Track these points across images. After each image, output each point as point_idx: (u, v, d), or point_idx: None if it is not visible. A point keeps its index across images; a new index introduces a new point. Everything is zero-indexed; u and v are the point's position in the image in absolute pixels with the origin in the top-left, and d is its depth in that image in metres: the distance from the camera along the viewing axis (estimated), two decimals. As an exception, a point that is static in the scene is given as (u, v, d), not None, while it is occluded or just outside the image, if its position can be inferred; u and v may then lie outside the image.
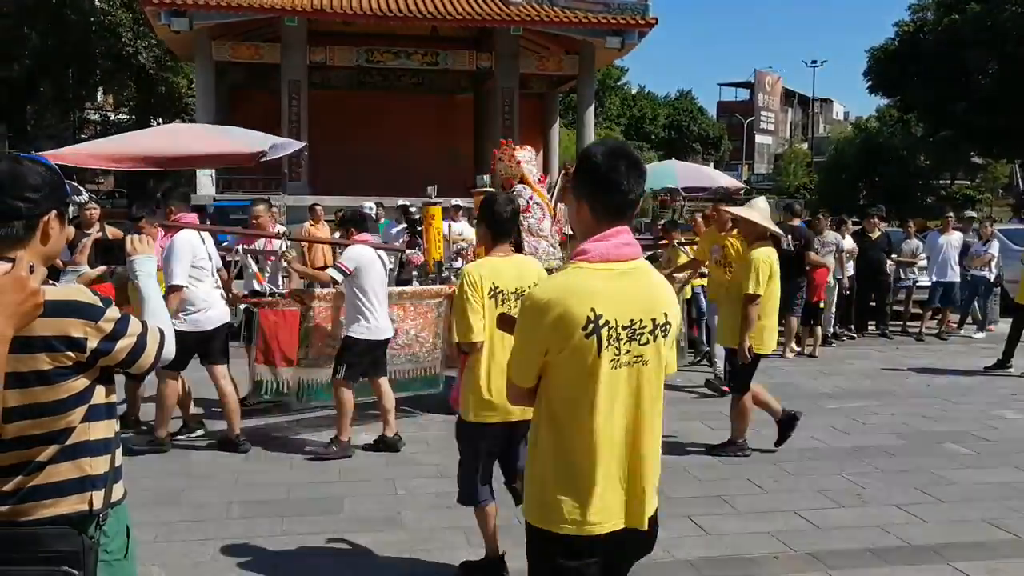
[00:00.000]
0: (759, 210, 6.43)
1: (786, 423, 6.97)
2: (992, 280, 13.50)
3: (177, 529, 5.04)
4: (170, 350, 2.46)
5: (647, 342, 2.52)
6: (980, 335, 13.32)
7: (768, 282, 6.56)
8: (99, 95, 40.28)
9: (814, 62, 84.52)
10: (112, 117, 39.78)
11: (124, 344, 2.29)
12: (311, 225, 12.94)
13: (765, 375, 10.04)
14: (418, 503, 5.57)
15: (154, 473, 6.01)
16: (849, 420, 8.01)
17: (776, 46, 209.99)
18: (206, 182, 24.27)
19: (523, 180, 8.20)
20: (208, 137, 11.23)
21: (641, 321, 2.51)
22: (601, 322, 2.44)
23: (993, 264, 13.35)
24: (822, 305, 11.90)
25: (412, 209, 12.00)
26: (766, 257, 6.57)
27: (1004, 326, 14.12)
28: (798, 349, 11.53)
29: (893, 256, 13.48)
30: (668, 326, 2.58)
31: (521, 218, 6.39)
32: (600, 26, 26.07)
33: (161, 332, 2.43)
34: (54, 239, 2.31)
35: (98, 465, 2.31)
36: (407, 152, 29.12)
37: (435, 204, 9.30)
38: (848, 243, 12.74)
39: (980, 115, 35.18)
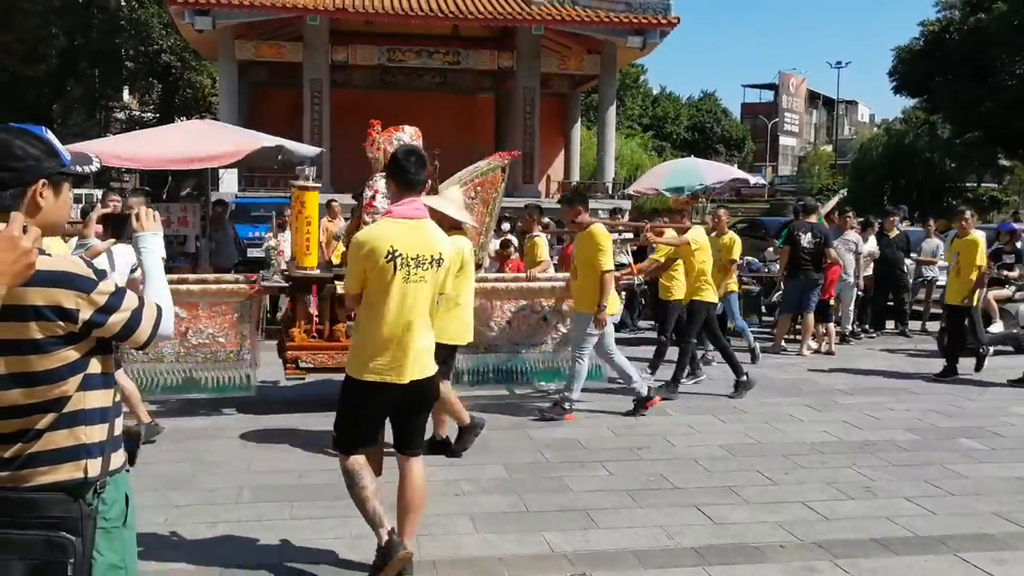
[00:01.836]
0: (452, 200, 6.33)
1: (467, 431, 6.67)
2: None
3: (187, 512, 5.10)
4: (167, 326, 2.48)
5: (427, 269, 4.09)
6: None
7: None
8: (125, 94, 40.67)
9: (839, 63, 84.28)
10: (137, 115, 40.15)
11: (118, 318, 2.31)
12: (327, 220, 13.14)
13: (781, 371, 10.09)
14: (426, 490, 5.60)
15: (165, 460, 6.08)
16: (862, 415, 7.98)
17: (800, 47, 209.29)
18: (229, 179, 24.50)
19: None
20: (222, 137, 11.41)
21: (421, 256, 4.06)
22: (397, 254, 4.00)
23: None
24: (832, 303, 11.86)
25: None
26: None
27: None
28: (815, 346, 11.49)
29: (912, 255, 13.40)
30: (442, 260, 4.15)
31: (364, 214, 7.00)
32: (622, 25, 26.07)
33: (158, 308, 2.45)
34: (47, 208, 2.32)
35: (93, 433, 2.34)
36: (428, 151, 29.18)
37: (310, 189, 7.78)
38: (870, 246, 12.69)
39: (1007, 116, 34.86)
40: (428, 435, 6.45)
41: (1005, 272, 11.66)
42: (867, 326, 13.04)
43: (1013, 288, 11.85)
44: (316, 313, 8.04)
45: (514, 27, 26.69)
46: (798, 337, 11.78)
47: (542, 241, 10.53)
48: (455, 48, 27.76)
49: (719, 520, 5.18)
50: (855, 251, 12.15)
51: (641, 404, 7.82)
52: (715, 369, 10.01)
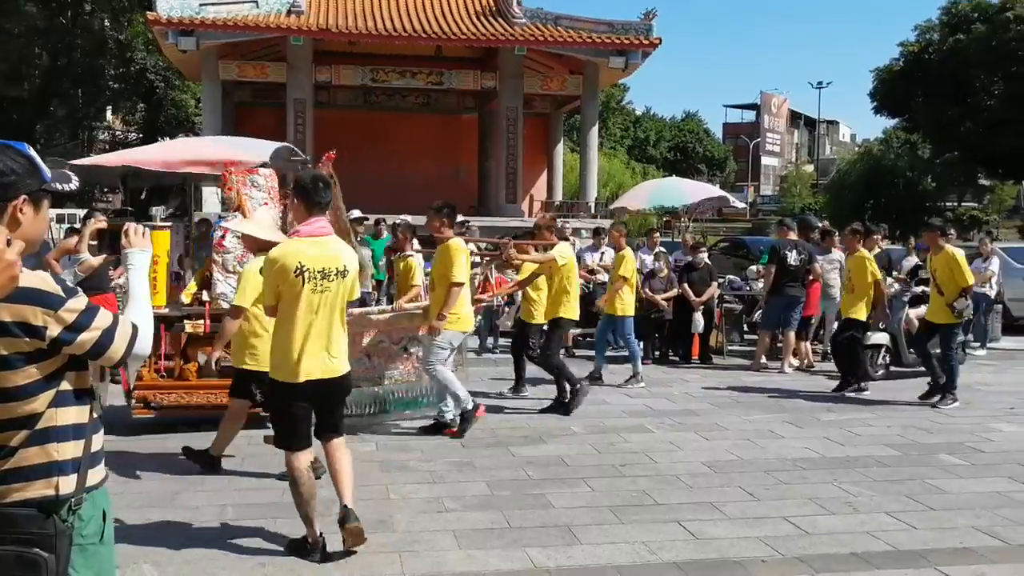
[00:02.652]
0: (260, 223, 6.35)
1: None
2: (993, 297, 13.51)
3: (168, 526, 5.08)
4: (144, 345, 2.45)
5: (332, 280, 4.66)
6: (981, 351, 13.31)
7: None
8: (108, 114, 40.60)
9: (820, 83, 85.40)
10: (121, 135, 40.09)
11: (87, 337, 2.29)
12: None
13: (763, 388, 10.14)
14: (409, 507, 5.62)
15: (148, 476, 6.06)
16: (844, 431, 8.02)
17: (782, 67, 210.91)
18: (212, 200, 24.43)
19: (239, 208, 7.52)
20: (216, 146, 11.43)
21: (326, 268, 4.64)
22: (304, 268, 4.58)
23: (993, 281, 13.36)
24: (813, 321, 11.95)
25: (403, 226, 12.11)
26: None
27: (1006, 343, 14.20)
28: (796, 363, 11.55)
29: (893, 273, 13.51)
30: (346, 271, 4.73)
31: (214, 254, 7.55)
32: (604, 46, 26.23)
33: (134, 326, 2.43)
34: (26, 224, 2.31)
35: (66, 450, 2.33)
36: (412, 171, 29.27)
37: (161, 228, 7.84)
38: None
39: (985, 136, 35.27)
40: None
41: (924, 288, 11.15)
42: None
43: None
44: (164, 352, 7.58)
45: (497, 48, 26.81)
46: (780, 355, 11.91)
47: (416, 262, 9.12)
48: (438, 68, 27.86)
49: (701, 536, 5.19)
50: (840, 269, 12.24)
51: (442, 428, 7.62)
52: (696, 385, 10.07)
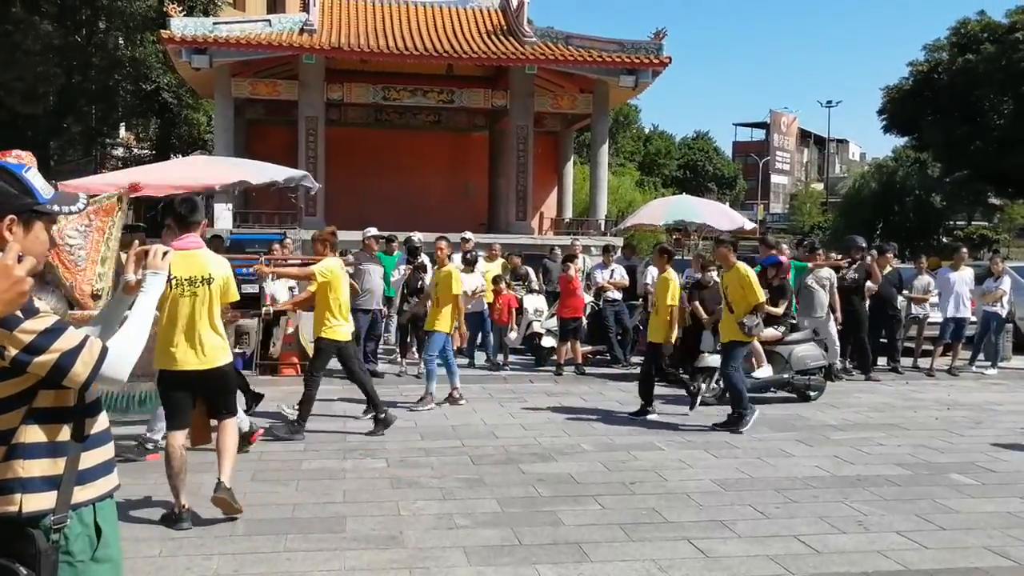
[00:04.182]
0: None
1: None
2: (1004, 316, 13.48)
3: (182, 545, 5.12)
4: (116, 369, 2.41)
5: (198, 286, 5.60)
6: (992, 371, 13.27)
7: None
8: (122, 131, 40.82)
9: (829, 102, 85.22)
10: (135, 152, 40.29)
11: (44, 360, 2.27)
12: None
13: (772, 407, 10.14)
14: (420, 523, 5.64)
15: (163, 492, 6.09)
16: (854, 450, 8.02)
17: (791, 86, 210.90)
18: (225, 216, 24.57)
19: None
20: (229, 167, 11.51)
21: (192, 277, 5.58)
22: (172, 277, 5.25)
23: (1005, 300, 13.34)
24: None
25: (415, 241, 12.18)
26: None
27: (1017, 362, 14.15)
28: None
29: (904, 292, 13.51)
30: (211, 279, 5.64)
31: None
32: (614, 65, 26.32)
33: (105, 349, 2.40)
34: (13, 245, 2.27)
35: (32, 468, 2.33)
36: (422, 188, 29.40)
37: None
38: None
39: (995, 155, 35.21)
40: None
41: (770, 308, 10.69)
42: (849, 362, 12.99)
43: (783, 329, 10.94)
44: None
45: (508, 66, 26.93)
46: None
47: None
48: (449, 87, 27.99)
49: (711, 554, 5.20)
50: (828, 287, 12.28)
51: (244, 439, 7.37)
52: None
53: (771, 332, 10.60)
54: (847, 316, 12.46)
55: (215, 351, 5.67)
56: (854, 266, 12.65)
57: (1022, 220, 57.39)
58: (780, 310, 10.72)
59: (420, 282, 11.94)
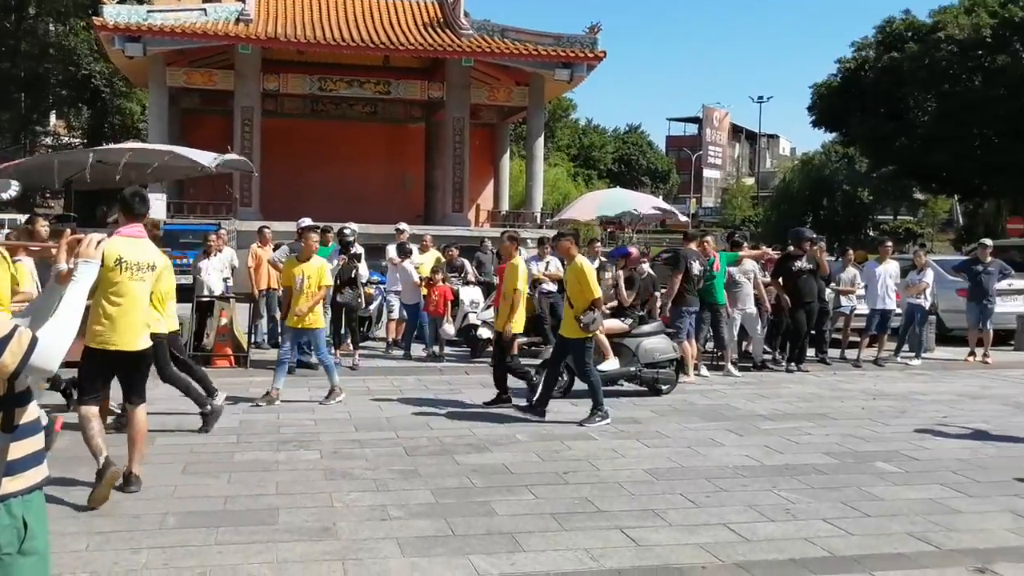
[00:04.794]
0: None
1: None
2: (927, 308, 13.85)
3: (110, 539, 5.02)
4: (46, 358, 2.40)
5: (145, 272, 5.89)
6: (916, 362, 13.63)
7: None
8: (52, 119, 39.87)
9: (760, 98, 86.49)
10: (65, 140, 39.34)
11: None
12: (258, 247, 13.21)
13: (703, 397, 10.30)
14: (353, 515, 5.61)
15: (89, 485, 5.98)
16: (783, 440, 8.18)
17: (724, 82, 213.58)
18: (158, 206, 24.08)
19: None
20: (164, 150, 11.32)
21: (140, 263, 5.84)
22: (123, 260, 5.74)
23: (928, 292, 13.70)
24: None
25: (347, 232, 12.08)
26: None
27: (940, 353, 14.56)
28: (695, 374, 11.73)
29: (832, 285, 13.79)
30: (155, 266, 6.00)
31: None
32: (549, 58, 26.46)
33: (35, 339, 2.38)
34: None
35: None
36: (359, 180, 29.22)
37: None
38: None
39: (919, 151, 36.07)
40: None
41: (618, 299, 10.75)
42: (779, 354, 13.26)
43: (630, 321, 10.66)
44: None
45: (444, 58, 26.91)
46: (720, 363, 12.23)
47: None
48: (386, 78, 27.86)
49: (642, 542, 5.26)
50: (752, 279, 12.54)
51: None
52: (620, 397, 10.18)
53: (618, 324, 10.50)
54: (806, 308, 12.69)
55: (146, 335, 6.03)
56: (804, 257, 12.82)
57: (945, 215, 59.11)
58: (628, 300, 10.78)
59: (354, 271, 11.88)
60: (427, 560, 4.88)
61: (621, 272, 10.88)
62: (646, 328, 10.69)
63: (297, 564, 4.75)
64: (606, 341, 10.07)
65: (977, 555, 5.16)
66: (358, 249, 12.10)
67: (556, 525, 5.53)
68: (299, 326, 9.42)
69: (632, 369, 10.27)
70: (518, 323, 9.60)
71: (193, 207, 25.53)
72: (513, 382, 9.63)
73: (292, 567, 4.71)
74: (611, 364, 10.04)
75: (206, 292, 11.86)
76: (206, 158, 13.01)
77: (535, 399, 9.11)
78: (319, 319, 9.58)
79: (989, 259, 14.11)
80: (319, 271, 9.53)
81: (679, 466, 7.13)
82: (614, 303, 11.75)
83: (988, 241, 14.94)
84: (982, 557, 5.12)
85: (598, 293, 8.80)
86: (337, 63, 27.42)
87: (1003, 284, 14.61)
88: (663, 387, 10.47)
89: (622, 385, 10.43)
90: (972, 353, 14.05)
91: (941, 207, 58.35)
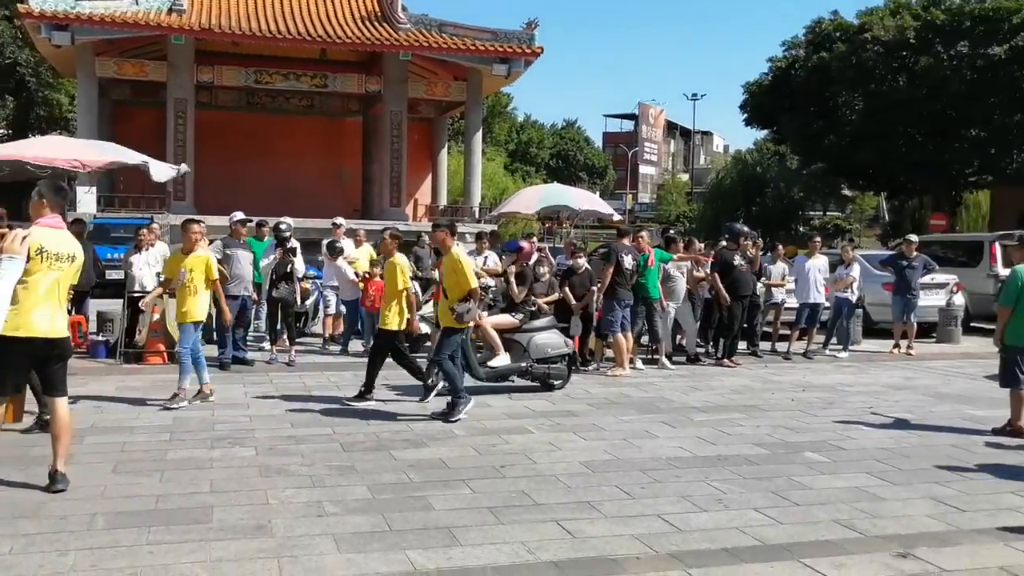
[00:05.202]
0: None
1: None
2: (854, 301, 14.20)
3: (35, 541, 4.92)
4: None
5: (64, 262, 5.84)
6: (844, 354, 13.96)
7: None
8: (-27, 110, 38.70)
9: (695, 95, 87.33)
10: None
11: None
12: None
13: (638, 390, 10.43)
14: (289, 511, 5.58)
15: (14, 485, 5.86)
16: (716, 431, 8.33)
17: (659, 79, 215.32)
18: (87, 199, 23.58)
19: None
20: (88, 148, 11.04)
21: (60, 253, 5.80)
22: (44, 250, 5.68)
23: (855, 286, 14.04)
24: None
25: (283, 227, 11.99)
26: None
27: (867, 345, 14.94)
28: (641, 367, 11.95)
29: (763, 279, 14.05)
30: (74, 257, 5.93)
31: None
32: (487, 53, 26.48)
33: None
34: None
35: None
36: (296, 173, 28.92)
37: None
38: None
39: (847, 149, 36.81)
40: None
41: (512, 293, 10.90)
42: (711, 347, 13.46)
43: (521, 316, 10.65)
44: None
45: (381, 52, 26.76)
46: (654, 356, 12.40)
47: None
48: (323, 71, 27.63)
49: (578, 534, 5.33)
50: (684, 274, 12.79)
51: None
52: (574, 386, 10.26)
53: (509, 319, 10.54)
54: (741, 301, 12.95)
55: (64, 323, 6.01)
56: (737, 252, 13.04)
57: (872, 211, 60.50)
58: (521, 295, 10.84)
59: (289, 266, 11.79)
60: (363, 556, 4.88)
61: (513, 267, 10.82)
62: (537, 323, 10.62)
63: (231, 563, 4.71)
64: (496, 336, 10.06)
65: (900, 540, 5.32)
66: (294, 244, 12.01)
67: (493, 519, 5.57)
68: (183, 321, 9.02)
69: (523, 365, 10.18)
70: (394, 319, 9.30)
71: (125, 201, 25.03)
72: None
73: (226, 566, 4.67)
74: (502, 360, 10.03)
75: (138, 287, 11.66)
76: (165, 173, 12.85)
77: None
78: (195, 312, 9.01)
79: (914, 254, 14.54)
80: (204, 263, 9.08)
81: (614, 458, 7.22)
82: (553, 296, 11.87)
83: (913, 237, 15.37)
84: (904, 542, 5.29)
85: (475, 284, 8.77)
86: (273, 56, 27.10)
87: (926, 278, 15.05)
88: (555, 383, 10.34)
89: (513, 381, 10.39)
90: (897, 345, 14.45)
91: (868, 204, 59.73)
